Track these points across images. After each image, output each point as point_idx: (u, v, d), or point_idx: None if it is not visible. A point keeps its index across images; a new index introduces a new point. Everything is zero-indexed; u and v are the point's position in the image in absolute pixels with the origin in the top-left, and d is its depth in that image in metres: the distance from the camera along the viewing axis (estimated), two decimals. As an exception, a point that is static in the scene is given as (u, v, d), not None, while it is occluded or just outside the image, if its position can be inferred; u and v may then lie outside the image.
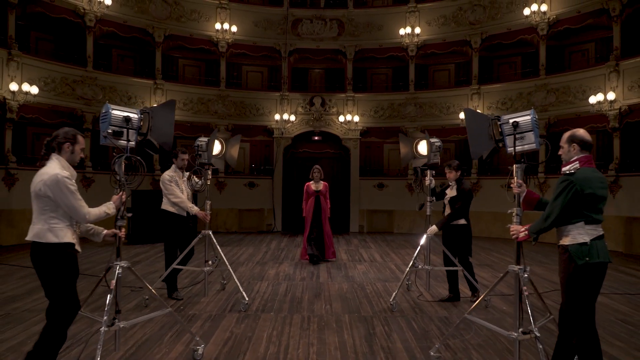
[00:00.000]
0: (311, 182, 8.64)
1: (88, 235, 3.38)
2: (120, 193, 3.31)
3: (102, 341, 3.13)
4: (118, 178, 3.31)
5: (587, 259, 2.96)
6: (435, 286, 6.57)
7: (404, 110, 14.54)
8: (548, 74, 12.54)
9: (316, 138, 15.23)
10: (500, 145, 3.47)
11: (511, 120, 3.34)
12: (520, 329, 3.25)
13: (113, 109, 3.29)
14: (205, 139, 5.45)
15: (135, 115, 3.41)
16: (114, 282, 3.30)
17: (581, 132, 3.15)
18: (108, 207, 3.25)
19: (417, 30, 14.23)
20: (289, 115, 14.57)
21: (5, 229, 10.38)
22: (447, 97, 14.26)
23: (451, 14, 14.11)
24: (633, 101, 10.76)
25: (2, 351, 3.91)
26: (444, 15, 14.21)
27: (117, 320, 3.33)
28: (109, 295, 3.26)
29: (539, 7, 12.43)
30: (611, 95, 10.95)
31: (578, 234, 3.01)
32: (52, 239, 3.01)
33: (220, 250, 5.67)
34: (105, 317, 3.21)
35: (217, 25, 14.10)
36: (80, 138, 3.21)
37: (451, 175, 5.68)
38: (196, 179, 5.89)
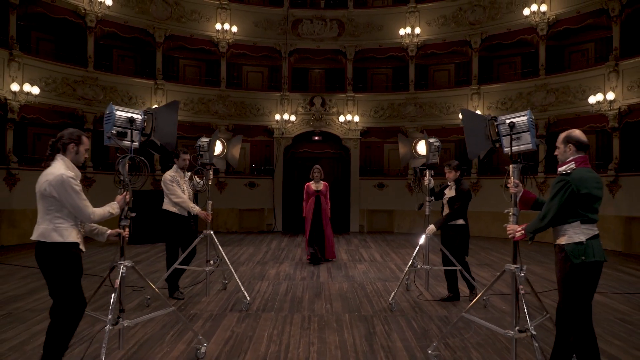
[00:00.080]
0: (311, 182, 8.67)
1: (92, 235, 3.42)
2: (124, 193, 3.34)
3: (107, 340, 3.16)
4: (122, 178, 3.34)
5: (583, 258, 3.00)
6: (434, 285, 6.60)
7: (404, 110, 14.57)
8: (548, 74, 12.57)
9: (316, 138, 15.26)
10: (497, 145, 3.51)
11: (508, 121, 3.38)
12: (517, 328, 3.28)
13: (117, 110, 3.32)
14: (207, 139, 5.48)
15: (139, 116, 3.44)
16: (118, 281, 3.33)
17: (577, 132, 3.19)
18: (112, 207, 3.28)
19: (417, 30, 14.26)
20: (289, 115, 14.60)
21: (6, 229, 10.41)
22: (447, 97, 14.29)
23: (451, 14, 14.14)
24: (632, 101, 10.79)
25: (4, 350, 3.94)
26: (444, 16, 14.24)
27: (121, 319, 3.36)
28: (113, 294, 3.30)
29: (539, 7, 12.46)
30: (611, 95, 10.97)
31: (574, 234, 3.05)
32: (57, 238, 3.05)
33: (221, 250, 5.70)
34: (109, 316, 3.24)
35: (218, 26, 14.14)
36: (84, 139, 3.25)
37: (450, 175, 5.71)
38: (198, 179, 5.93)
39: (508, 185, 3.39)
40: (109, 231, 3.43)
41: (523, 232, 3.21)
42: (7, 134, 10.63)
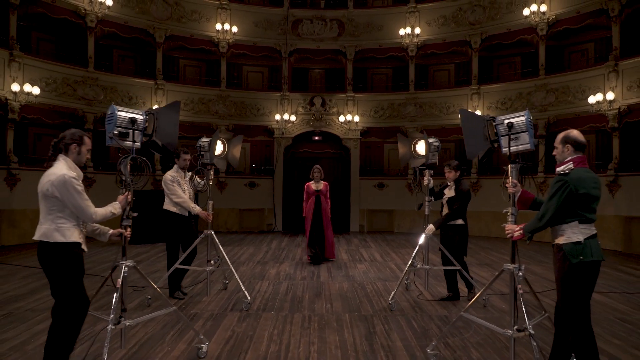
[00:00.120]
0: (311, 182, 8.68)
1: (94, 235, 3.43)
2: (126, 193, 3.36)
3: (109, 339, 3.18)
4: (124, 178, 3.36)
5: (582, 257, 3.02)
6: (434, 285, 6.62)
7: (404, 110, 14.58)
8: (547, 74, 12.59)
9: (316, 138, 15.27)
10: (496, 145, 3.53)
11: (506, 121, 3.40)
12: (515, 327, 3.30)
13: (119, 111, 3.33)
14: (208, 139, 5.49)
15: (141, 117, 3.46)
16: (120, 280, 3.35)
17: (575, 133, 3.21)
18: (114, 207, 3.30)
19: (417, 30, 14.28)
20: (290, 115, 14.62)
21: (7, 229, 10.43)
22: (447, 97, 14.31)
23: (451, 14, 14.15)
24: (632, 101, 10.81)
25: (5, 350, 3.95)
26: (444, 16, 14.25)
27: (123, 318, 3.38)
28: (115, 294, 3.31)
29: (539, 7, 12.47)
30: (610, 95, 10.99)
31: (572, 233, 3.07)
32: (59, 238, 3.07)
33: (222, 250, 5.71)
34: (111, 316, 3.26)
35: (218, 26, 14.16)
36: (86, 139, 3.26)
37: (450, 175, 5.73)
38: (198, 179, 5.94)
39: (506, 185, 3.41)
40: (111, 231, 3.45)
41: (521, 231, 3.23)
42: (7, 134, 10.64)
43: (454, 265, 5.56)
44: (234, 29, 14.29)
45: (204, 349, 3.86)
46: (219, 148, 5.72)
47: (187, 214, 5.82)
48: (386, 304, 5.63)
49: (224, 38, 14.24)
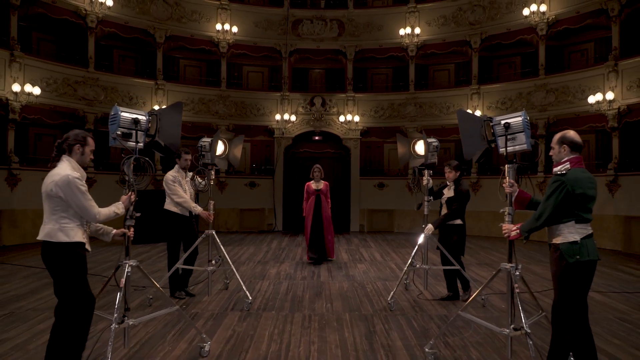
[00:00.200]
0: (312, 182, 8.70)
1: (97, 235, 3.46)
2: (129, 193, 3.38)
3: (113, 338, 3.20)
4: (127, 178, 3.38)
5: (578, 257, 3.05)
6: (434, 285, 6.64)
7: (404, 110, 14.61)
8: (547, 74, 12.61)
9: (317, 138, 15.30)
10: (493, 146, 3.55)
11: (503, 122, 3.42)
12: (512, 326, 3.33)
13: (122, 111, 3.36)
14: (209, 140, 5.51)
15: (144, 117, 3.48)
16: (123, 280, 3.37)
17: (571, 133, 3.24)
18: (117, 207, 3.33)
19: (417, 30, 14.30)
20: (290, 115, 14.64)
21: (8, 229, 10.46)
22: (447, 97, 14.33)
23: (451, 14, 14.17)
24: (632, 101, 10.83)
25: (7, 350, 3.98)
26: (444, 16, 14.27)
27: (126, 317, 3.40)
28: (118, 294, 3.34)
29: (539, 7, 12.49)
30: (610, 95, 11.01)
31: (569, 233, 3.10)
32: (63, 238, 3.10)
33: (223, 249, 5.73)
34: (115, 315, 3.28)
35: (218, 26, 14.18)
36: (90, 140, 3.29)
37: (450, 175, 5.74)
38: (199, 179, 5.96)
39: (503, 185, 3.44)
40: (114, 231, 3.47)
41: (518, 231, 3.26)
42: (8, 134, 10.67)
43: (453, 264, 5.58)
44: (234, 29, 14.31)
45: (207, 348, 3.89)
46: (220, 148, 5.74)
47: (188, 214, 5.84)
48: (386, 304, 5.64)
49: (224, 38, 14.26)
